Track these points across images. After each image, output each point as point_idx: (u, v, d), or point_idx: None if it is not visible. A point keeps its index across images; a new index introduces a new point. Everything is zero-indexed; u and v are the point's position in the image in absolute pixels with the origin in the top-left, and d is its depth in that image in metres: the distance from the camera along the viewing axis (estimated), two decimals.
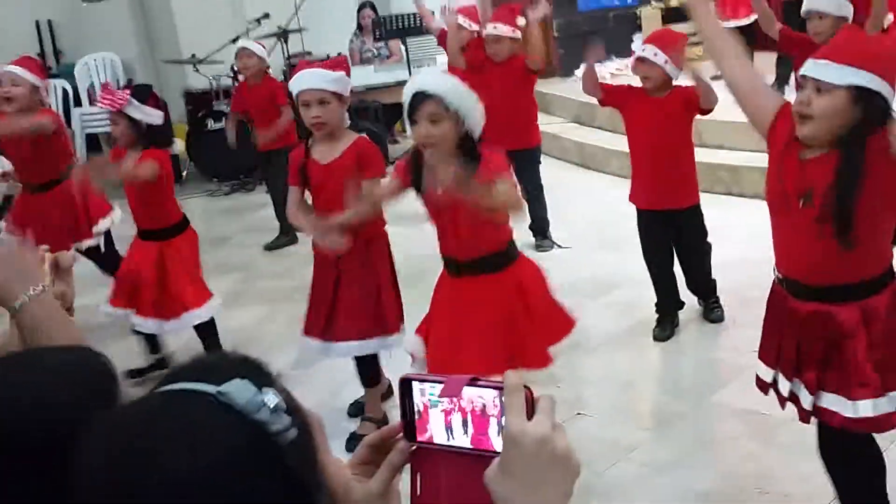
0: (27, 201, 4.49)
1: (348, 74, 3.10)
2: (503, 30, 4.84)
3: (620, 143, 6.70)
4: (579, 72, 8.58)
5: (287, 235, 6.06)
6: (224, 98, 8.03)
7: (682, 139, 3.62)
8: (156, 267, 3.79)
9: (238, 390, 0.79)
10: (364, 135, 3.19)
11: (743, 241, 4.18)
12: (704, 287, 3.86)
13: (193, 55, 8.26)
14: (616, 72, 8.53)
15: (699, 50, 8.37)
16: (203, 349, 4.08)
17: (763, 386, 2.25)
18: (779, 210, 2.09)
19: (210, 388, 0.79)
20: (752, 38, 7.26)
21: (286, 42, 8.18)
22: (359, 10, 9.03)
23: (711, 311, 3.86)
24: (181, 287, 3.81)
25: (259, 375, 0.84)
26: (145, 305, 3.80)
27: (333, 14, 9.48)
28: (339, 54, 8.97)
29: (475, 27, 5.29)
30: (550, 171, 5.90)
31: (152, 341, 4.06)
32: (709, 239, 3.77)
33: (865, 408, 2.01)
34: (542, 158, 5.45)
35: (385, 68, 8.36)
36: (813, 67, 1.95)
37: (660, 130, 3.57)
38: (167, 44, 9.78)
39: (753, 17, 7.10)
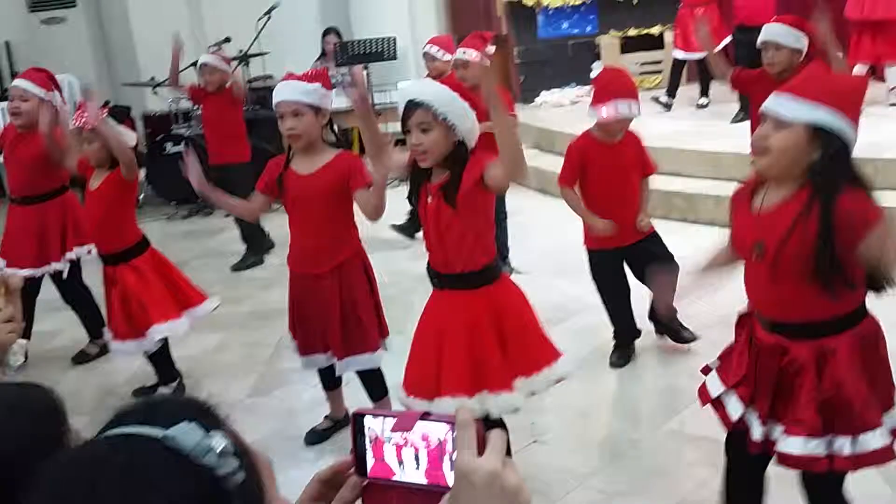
0: (16, 213, 4.43)
1: (328, 87, 3.08)
2: (472, 54, 4.89)
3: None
4: (540, 99, 8.70)
5: (254, 255, 6.04)
6: (183, 121, 7.98)
7: (635, 183, 3.65)
8: (120, 289, 3.76)
9: (185, 434, 0.78)
10: (348, 150, 3.22)
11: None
12: (673, 322, 3.84)
13: (153, 78, 8.21)
14: (576, 98, 8.64)
15: (656, 78, 8.52)
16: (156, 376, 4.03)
17: (705, 397, 2.25)
18: (741, 254, 2.14)
19: (157, 432, 0.77)
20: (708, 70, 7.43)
21: (248, 66, 8.16)
22: (323, 36, 9.04)
23: (683, 329, 3.84)
24: (146, 304, 3.75)
25: (207, 417, 0.83)
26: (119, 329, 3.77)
27: (296, 38, 9.48)
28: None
29: (448, 57, 5.33)
30: (510, 197, 5.87)
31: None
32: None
33: (794, 444, 2.01)
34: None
35: (345, 92, 8.35)
36: (773, 102, 1.96)
37: (616, 178, 3.59)
38: (126, 66, 9.72)
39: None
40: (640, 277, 3.67)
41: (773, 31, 3.91)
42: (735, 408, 2.15)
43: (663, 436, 3.22)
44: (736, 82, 4.19)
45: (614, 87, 3.52)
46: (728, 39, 7.24)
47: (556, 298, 4.43)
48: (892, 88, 6.57)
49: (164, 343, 3.89)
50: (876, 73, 6.63)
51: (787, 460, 2.04)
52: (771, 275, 1.99)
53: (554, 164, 7.14)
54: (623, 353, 3.80)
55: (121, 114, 3.87)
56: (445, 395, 2.59)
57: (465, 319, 2.62)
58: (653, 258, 3.42)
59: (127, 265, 3.78)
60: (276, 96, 3.04)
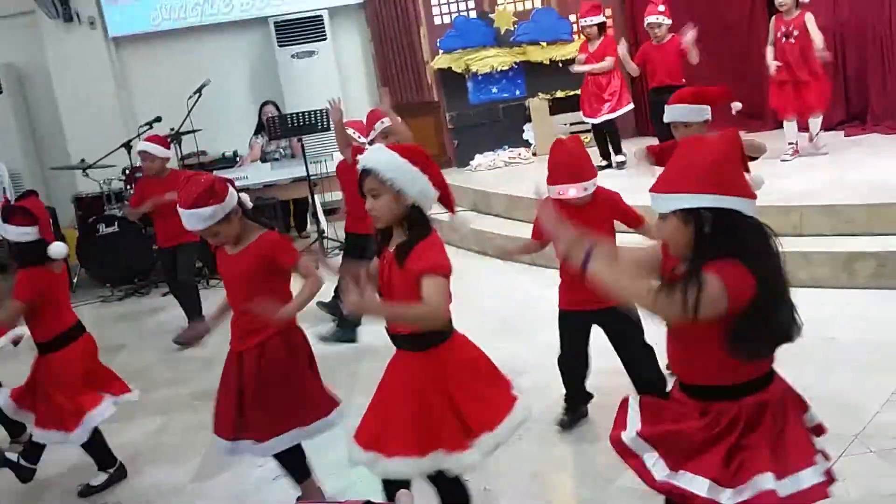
0: None
1: (219, 199, 3.02)
2: (387, 122, 5.16)
3: (517, 230, 6.87)
4: (475, 162, 8.82)
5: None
6: (116, 202, 7.88)
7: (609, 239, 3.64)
8: (45, 378, 3.69)
9: None
10: (272, 229, 3.23)
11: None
12: (583, 399, 3.85)
13: (83, 160, 8.12)
14: (510, 160, 8.78)
15: (586, 138, 8.71)
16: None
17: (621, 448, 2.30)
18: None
19: None
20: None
21: (180, 144, 8.12)
22: (261, 108, 9.06)
23: (573, 411, 3.82)
24: (71, 396, 3.67)
25: None
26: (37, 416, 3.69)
27: (228, 112, 9.50)
28: (235, 153, 9.00)
29: (363, 139, 5.49)
30: (450, 258, 5.95)
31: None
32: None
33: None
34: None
35: (280, 165, 8.37)
36: (651, 200, 2.15)
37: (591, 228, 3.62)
38: (55, 150, 9.62)
39: (614, 114, 7.53)
40: (615, 342, 3.68)
41: (677, 112, 3.97)
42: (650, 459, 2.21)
43: (616, 492, 3.21)
44: (658, 158, 4.31)
45: (564, 171, 3.51)
46: (630, 106, 7.55)
47: (500, 359, 4.36)
48: (816, 134, 6.81)
49: (96, 429, 3.80)
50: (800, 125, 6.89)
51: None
52: (676, 335, 2.13)
53: (491, 225, 7.24)
54: (574, 415, 3.79)
55: (7, 211, 3.70)
56: (395, 455, 2.57)
57: (415, 381, 2.61)
58: (627, 323, 3.46)
59: (54, 355, 3.71)
60: (188, 226, 3.09)
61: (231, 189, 3.12)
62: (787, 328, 2.10)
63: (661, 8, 7.11)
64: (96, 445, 3.84)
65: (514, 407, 2.70)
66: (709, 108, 3.93)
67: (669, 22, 7.11)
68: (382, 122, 5.12)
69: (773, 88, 6.86)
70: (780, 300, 2.08)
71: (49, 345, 3.73)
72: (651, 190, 2.15)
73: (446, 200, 2.74)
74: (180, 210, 3.08)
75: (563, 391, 3.88)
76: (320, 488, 3.33)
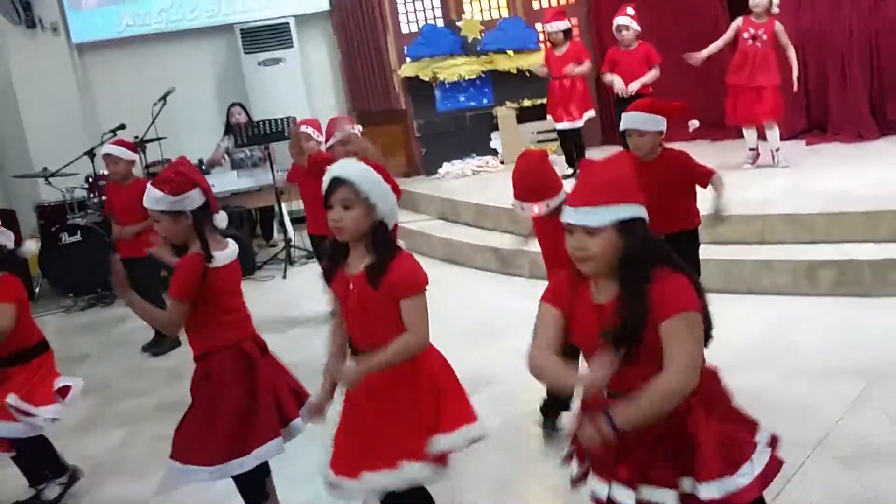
0: None
1: (175, 191, 2.96)
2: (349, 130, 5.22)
3: (485, 239, 6.89)
4: (442, 170, 8.83)
5: (168, 339, 5.91)
6: (79, 211, 7.78)
7: None
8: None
9: None
10: (193, 251, 3.01)
11: None
12: (557, 410, 3.82)
13: (45, 168, 8.00)
14: (478, 168, 8.80)
15: (555, 146, 8.74)
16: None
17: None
18: (588, 350, 2.17)
19: None
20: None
21: (144, 152, 8.04)
22: (228, 109, 9.00)
23: (551, 424, 3.81)
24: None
25: None
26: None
27: (193, 119, 9.44)
28: (201, 161, 8.93)
29: (320, 137, 5.58)
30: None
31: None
32: None
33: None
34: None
35: (248, 173, 8.32)
36: (576, 215, 2.08)
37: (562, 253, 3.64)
38: (17, 158, 9.48)
39: (582, 120, 7.58)
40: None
41: (632, 120, 4.00)
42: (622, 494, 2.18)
43: (585, 500, 3.21)
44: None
45: (528, 188, 3.52)
46: (592, 113, 7.58)
47: (468, 368, 4.38)
48: (777, 150, 6.88)
49: (42, 439, 3.74)
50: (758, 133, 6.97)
51: None
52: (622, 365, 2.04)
53: (459, 233, 7.25)
54: (555, 422, 3.80)
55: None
56: (366, 471, 2.56)
57: (379, 395, 2.60)
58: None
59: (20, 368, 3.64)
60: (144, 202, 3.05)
61: (196, 194, 2.99)
62: (709, 330, 2.11)
63: (631, 11, 7.14)
64: (41, 457, 3.77)
65: (474, 422, 2.68)
66: (664, 119, 3.97)
67: (638, 28, 7.14)
68: (343, 131, 5.11)
69: (729, 98, 6.92)
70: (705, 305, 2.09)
71: (10, 359, 3.64)
72: (577, 203, 2.09)
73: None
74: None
75: (530, 402, 3.89)
76: None
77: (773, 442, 2.17)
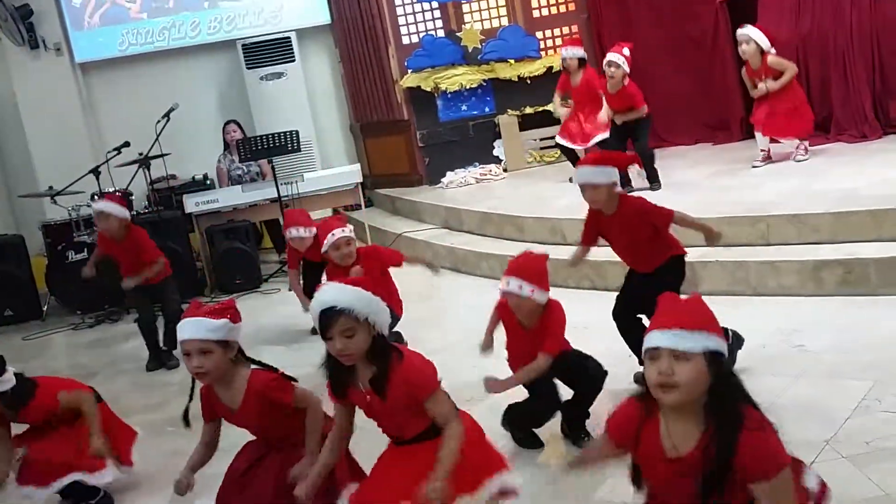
0: None
1: (235, 320, 2.96)
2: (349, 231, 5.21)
3: (490, 246, 6.90)
4: (446, 179, 8.85)
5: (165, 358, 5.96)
6: (85, 228, 7.82)
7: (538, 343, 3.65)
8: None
9: None
10: (254, 367, 3.04)
11: (608, 334, 4.29)
12: (580, 419, 3.84)
13: (51, 187, 8.05)
14: (480, 177, 8.82)
15: (557, 152, 8.75)
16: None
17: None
18: (658, 494, 2.14)
19: None
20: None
21: (149, 168, 8.08)
22: (224, 127, 9.04)
23: (577, 438, 3.82)
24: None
25: None
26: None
27: (197, 136, 9.49)
28: (205, 176, 8.97)
29: (308, 233, 5.75)
30: (423, 277, 5.97)
31: None
32: (575, 335, 3.81)
33: None
34: (416, 266, 5.54)
35: (252, 187, 8.35)
36: (668, 338, 1.98)
37: (530, 350, 3.62)
38: (23, 176, 9.53)
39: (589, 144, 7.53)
40: (568, 383, 3.78)
41: (584, 175, 4.01)
42: None
43: None
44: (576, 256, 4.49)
45: (515, 265, 3.60)
46: (602, 136, 7.32)
47: (472, 377, 4.41)
48: (799, 146, 6.91)
49: None
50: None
51: None
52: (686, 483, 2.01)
53: (464, 242, 7.26)
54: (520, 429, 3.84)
55: None
56: None
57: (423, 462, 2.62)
58: (578, 367, 3.64)
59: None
60: (181, 333, 2.92)
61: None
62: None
63: (626, 52, 6.92)
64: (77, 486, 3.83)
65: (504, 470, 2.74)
66: (616, 170, 3.99)
67: (627, 70, 6.89)
68: (334, 234, 5.10)
69: (756, 104, 6.97)
70: None
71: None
72: (669, 324, 2.01)
73: None
74: (188, 319, 2.92)
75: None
76: None
77: None
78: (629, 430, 2.11)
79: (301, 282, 6.04)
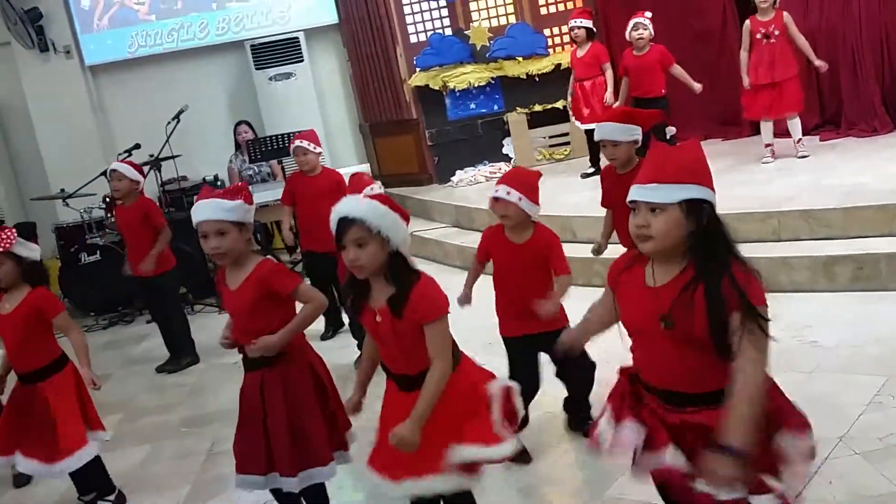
0: None
1: (249, 201, 3.04)
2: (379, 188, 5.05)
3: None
4: (455, 178, 8.86)
5: (188, 355, 5.98)
6: (97, 230, 7.86)
7: (544, 281, 3.62)
8: (39, 407, 3.65)
9: None
10: (267, 256, 3.11)
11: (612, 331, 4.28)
12: (583, 412, 3.84)
13: (62, 190, 8.10)
14: (490, 175, 8.82)
15: (565, 150, 8.77)
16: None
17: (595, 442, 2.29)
18: (639, 332, 2.17)
19: None
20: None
21: (160, 170, 8.12)
22: (235, 128, 9.07)
23: (583, 422, 3.81)
24: (65, 429, 3.65)
25: None
26: (30, 446, 3.65)
27: (207, 137, 9.52)
28: (216, 177, 9.00)
29: (319, 149, 5.67)
30: (434, 275, 5.95)
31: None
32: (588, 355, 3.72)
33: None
34: (426, 263, 5.53)
35: (263, 188, 8.37)
36: (642, 192, 2.08)
37: (522, 275, 3.61)
38: (35, 180, 9.59)
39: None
40: (559, 375, 3.76)
41: (607, 130, 4.01)
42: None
43: (607, 502, 3.22)
44: (602, 181, 4.42)
45: (507, 174, 3.65)
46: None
47: None
48: (798, 140, 6.89)
49: (96, 457, 3.79)
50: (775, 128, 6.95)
51: None
52: (675, 346, 2.05)
53: (474, 241, 7.24)
54: (578, 417, 3.80)
55: (28, 230, 3.85)
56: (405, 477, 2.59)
57: (439, 411, 2.57)
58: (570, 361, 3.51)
59: (45, 382, 3.67)
60: (197, 215, 2.97)
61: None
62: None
63: (649, 14, 7.10)
64: (94, 473, 3.82)
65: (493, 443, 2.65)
66: (639, 128, 3.97)
67: (652, 33, 7.09)
68: (372, 189, 4.74)
69: (747, 93, 6.91)
70: None
71: (39, 373, 3.70)
72: (646, 180, 2.08)
73: None
74: (199, 201, 2.97)
75: (549, 406, 3.90)
76: None
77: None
78: (620, 266, 2.23)
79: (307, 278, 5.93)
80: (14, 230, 3.75)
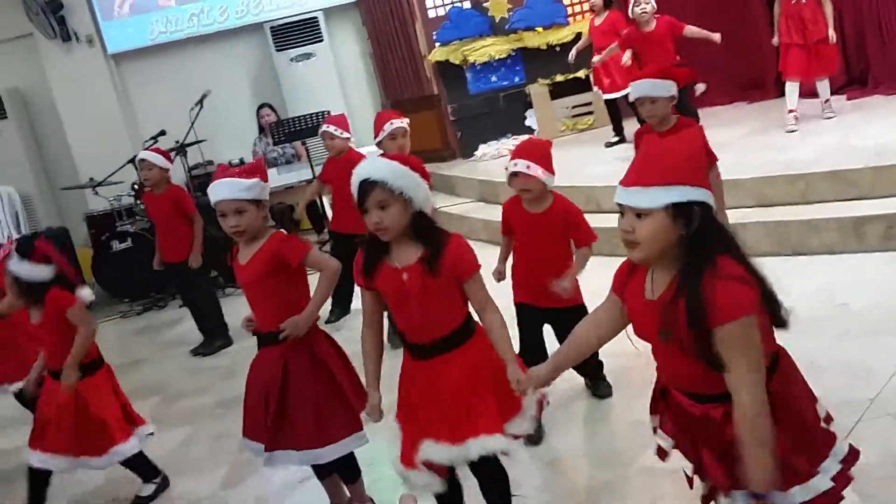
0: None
1: (265, 179, 3.08)
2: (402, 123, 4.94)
3: None
4: (479, 152, 8.84)
5: (220, 338, 6.06)
6: (127, 218, 7.96)
7: (563, 253, 3.64)
8: (75, 405, 3.67)
9: None
10: (280, 229, 3.13)
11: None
12: (594, 370, 3.90)
13: (91, 179, 8.20)
14: (513, 147, 8.78)
15: (589, 119, 8.71)
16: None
17: (663, 454, 2.27)
18: (642, 337, 2.11)
19: None
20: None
21: (185, 156, 8.18)
22: (258, 111, 9.11)
23: (598, 387, 3.91)
24: (106, 422, 3.70)
25: None
26: (60, 442, 3.67)
27: (230, 120, 9.57)
28: (241, 160, 9.05)
29: (346, 134, 5.62)
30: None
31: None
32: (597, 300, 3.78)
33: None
34: None
35: (288, 169, 8.42)
36: (626, 195, 1.94)
37: (541, 245, 3.62)
38: (64, 170, 9.72)
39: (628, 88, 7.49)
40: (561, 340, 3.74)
41: (643, 87, 4.01)
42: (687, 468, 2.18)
43: (636, 474, 3.24)
44: (636, 140, 4.35)
45: (521, 148, 3.61)
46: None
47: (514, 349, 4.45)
48: (826, 101, 6.79)
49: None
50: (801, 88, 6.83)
51: None
52: (681, 355, 1.96)
53: (499, 214, 7.22)
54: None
55: (25, 246, 3.68)
56: (428, 438, 2.59)
57: (453, 378, 2.60)
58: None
59: (82, 383, 3.68)
60: (215, 195, 2.99)
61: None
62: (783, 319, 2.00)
63: None
64: (140, 461, 3.89)
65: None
66: (675, 84, 3.96)
67: (654, 5, 6.80)
68: (392, 123, 4.86)
69: (783, 51, 6.74)
70: (770, 293, 1.96)
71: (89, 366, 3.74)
72: (629, 182, 1.94)
73: None
74: (216, 181, 2.99)
75: (574, 379, 3.91)
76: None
77: (844, 468, 2.06)
78: (624, 275, 2.12)
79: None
80: (10, 245, 3.70)
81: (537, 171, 3.49)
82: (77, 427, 3.67)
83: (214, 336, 6.09)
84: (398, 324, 2.72)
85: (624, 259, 2.11)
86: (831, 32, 6.58)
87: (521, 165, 3.50)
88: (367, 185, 2.52)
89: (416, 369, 2.70)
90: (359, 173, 2.57)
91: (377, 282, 2.64)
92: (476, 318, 2.68)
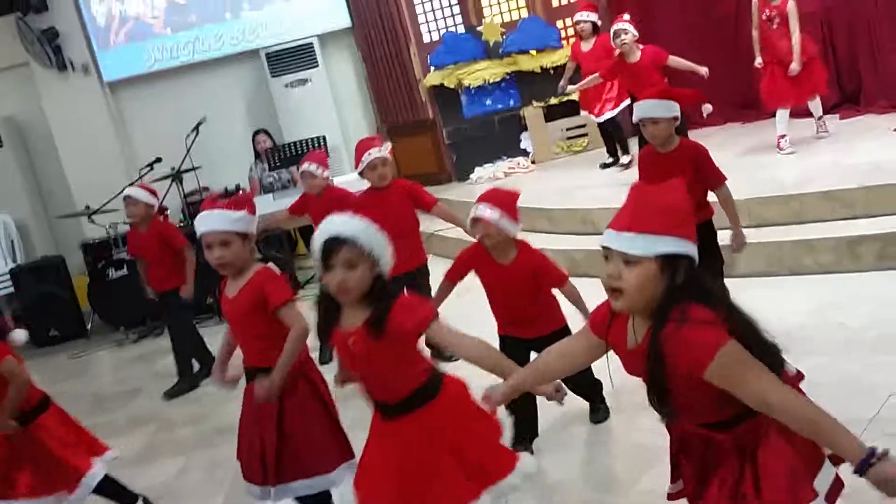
0: None
1: (252, 212, 3.05)
2: (386, 151, 4.93)
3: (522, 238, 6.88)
4: (474, 175, 8.86)
5: (187, 381, 5.91)
6: (123, 245, 7.95)
7: (537, 295, 3.59)
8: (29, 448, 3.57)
9: None
10: (268, 265, 3.11)
11: None
12: (592, 392, 3.87)
13: (87, 206, 8.20)
14: (509, 170, 8.82)
15: (583, 141, 8.74)
16: None
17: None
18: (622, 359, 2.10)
19: None
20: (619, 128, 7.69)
21: (181, 182, 8.19)
22: (253, 137, 9.13)
23: (596, 412, 3.88)
24: (66, 458, 3.60)
25: None
26: (24, 488, 3.56)
27: (226, 147, 9.59)
28: (238, 186, 9.07)
29: (326, 173, 5.50)
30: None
31: None
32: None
33: None
34: (447, 262, 5.52)
35: (283, 194, 8.41)
36: (616, 239, 1.88)
37: (513, 294, 3.58)
38: (60, 198, 9.72)
39: (617, 110, 7.51)
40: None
41: (646, 108, 4.00)
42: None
43: (637, 496, 3.22)
44: (640, 162, 4.37)
45: (486, 194, 3.54)
46: (628, 101, 7.21)
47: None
48: (820, 118, 6.78)
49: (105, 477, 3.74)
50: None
51: None
52: (677, 394, 1.94)
53: None
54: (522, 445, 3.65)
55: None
56: None
57: (416, 446, 2.49)
58: None
59: (34, 424, 3.57)
60: (202, 226, 2.97)
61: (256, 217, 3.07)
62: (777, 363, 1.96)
63: (627, 17, 6.80)
64: (113, 489, 3.82)
65: (511, 471, 2.57)
66: (678, 105, 3.96)
67: (636, 34, 6.69)
68: (370, 154, 4.81)
69: (766, 80, 6.69)
70: (760, 341, 1.93)
71: (22, 418, 3.56)
72: (619, 226, 1.89)
73: None
74: (203, 212, 2.97)
75: (573, 400, 3.88)
76: None
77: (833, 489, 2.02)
78: (603, 320, 2.06)
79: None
80: None
81: (496, 216, 3.41)
82: (40, 468, 3.58)
83: (185, 377, 5.92)
84: (360, 383, 2.60)
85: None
86: (794, 66, 6.40)
87: (483, 210, 3.43)
88: (335, 243, 2.39)
89: (381, 429, 2.59)
90: (327, 230, 2.44)
91: (331, 343, 2.56)
92: (444, 371, 2.58)
